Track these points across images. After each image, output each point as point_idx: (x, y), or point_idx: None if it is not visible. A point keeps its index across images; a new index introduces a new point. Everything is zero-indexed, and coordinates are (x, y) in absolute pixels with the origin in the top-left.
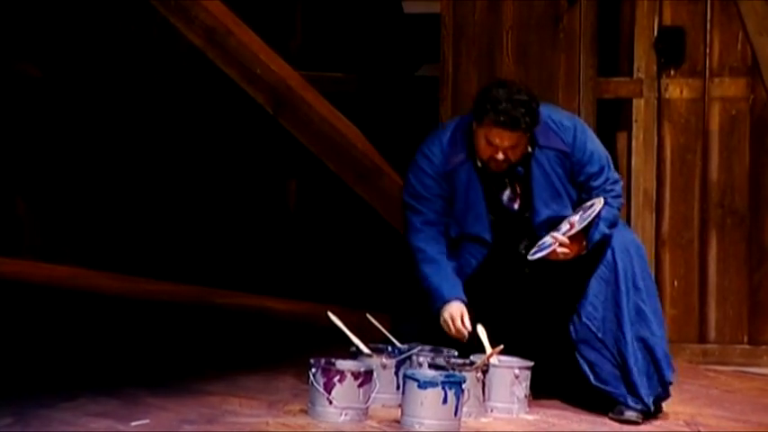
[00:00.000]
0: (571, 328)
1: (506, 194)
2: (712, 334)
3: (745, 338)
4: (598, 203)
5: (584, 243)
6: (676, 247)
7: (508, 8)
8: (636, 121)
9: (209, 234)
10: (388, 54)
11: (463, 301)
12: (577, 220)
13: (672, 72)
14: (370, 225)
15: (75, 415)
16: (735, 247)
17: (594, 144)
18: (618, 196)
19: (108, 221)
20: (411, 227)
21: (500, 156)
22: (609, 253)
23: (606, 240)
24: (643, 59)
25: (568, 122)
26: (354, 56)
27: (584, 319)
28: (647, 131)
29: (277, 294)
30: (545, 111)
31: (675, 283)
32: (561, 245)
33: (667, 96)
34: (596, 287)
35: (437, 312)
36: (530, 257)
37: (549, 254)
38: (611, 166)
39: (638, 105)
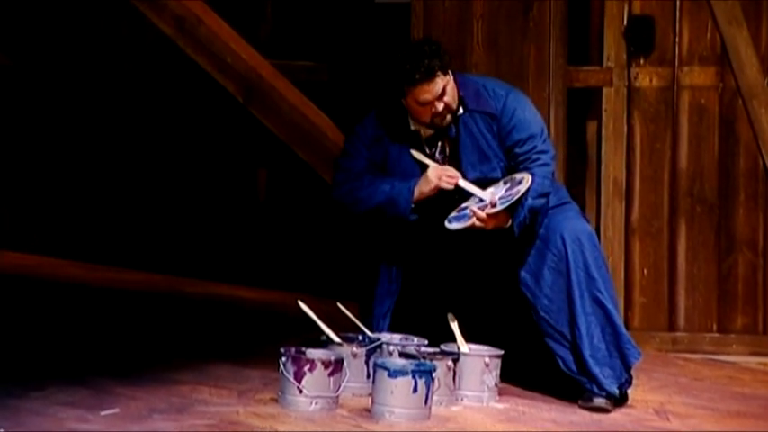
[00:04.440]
0: (535, 319)
1: (438, 158)
2: (681, 322)
3: (715, 326)
4: (525, 182)
5: (508, 219)
6: (646, 236)
7: None
8: (605, 109)
9: (179, 223)
10: (359, 43)
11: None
12: (499, 200)
13: (641, 61)
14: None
15: (44, 404)
16: (704, 236)
17: (526, 112)
18: (545, 165)
19: (76, 210)
20: (335, 182)
21: (439, 107)
22: (560, 243)
23: (538, 211)
24: (613, 48)
25: (502, 91)
26: (325, 44)
27: (541, 313)
28: (616, 120)
29: (247, 283)
30: (482, 80)
31: (645, 271)
32: (479, 219)
33: (637, 85)
34: (550, 279)
35: (407, 202)
36: (448, 226)
37: (466, 227)
38: (545, 137)
39: (608, 94)
